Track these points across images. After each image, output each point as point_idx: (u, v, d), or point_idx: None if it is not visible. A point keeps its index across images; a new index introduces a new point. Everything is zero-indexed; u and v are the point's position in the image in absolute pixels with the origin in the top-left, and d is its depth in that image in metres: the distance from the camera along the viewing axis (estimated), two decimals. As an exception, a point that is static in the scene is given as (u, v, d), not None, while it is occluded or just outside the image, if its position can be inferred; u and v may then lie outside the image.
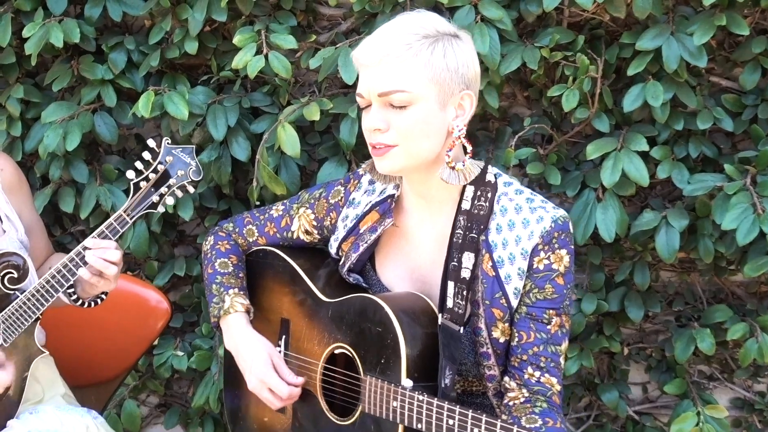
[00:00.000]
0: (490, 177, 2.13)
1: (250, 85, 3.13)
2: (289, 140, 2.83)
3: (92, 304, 2.42)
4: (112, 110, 3.11)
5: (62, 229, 3.37)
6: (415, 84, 1.98)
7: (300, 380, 2.20)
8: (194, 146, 2.38)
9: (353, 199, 2.29)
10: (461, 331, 2.07)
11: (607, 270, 3.08)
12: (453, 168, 2.06)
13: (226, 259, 2.39)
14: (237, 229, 2.45)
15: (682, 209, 2.85)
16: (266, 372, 2.21)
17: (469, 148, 2.06)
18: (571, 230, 2.07)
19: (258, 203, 3.00)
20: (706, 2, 2.64)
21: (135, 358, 2.78)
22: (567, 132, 2.97)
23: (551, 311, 2.07)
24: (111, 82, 3.08)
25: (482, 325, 2.08)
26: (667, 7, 2.77)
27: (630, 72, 2.76)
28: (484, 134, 3.05)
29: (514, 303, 2.07)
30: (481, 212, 2.09)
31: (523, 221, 2.06)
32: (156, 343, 3.23)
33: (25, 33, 2.95)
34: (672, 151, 2.86)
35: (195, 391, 3.29)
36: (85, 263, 2.29)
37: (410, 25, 2.01)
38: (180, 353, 3.22)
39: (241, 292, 2.33)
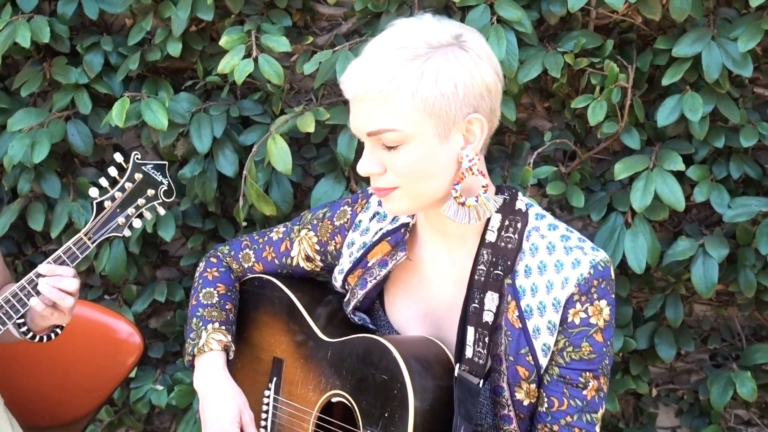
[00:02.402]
0: (520, 205, 1.82)
1: (240, 92, 2.84)
2: (280, 154, 2.53)
3: (45, 338, 2.13)
4: (87, 118, 2.81)
5: (34, 248, 3.07)
6: (404, 120, 1.69)
7: None
8: (167, 163, 2.11)
9: (359, 222, 1.98)
10: (481, 385, 1.76)
11: (635, 303, 2.79)
12: (463, 204, 1.75)
13: (211, 289, 2.09)
14: (232, 253, 2.15)
15: (722, 237, 2.56)
16: (231, 427, 1.91)
17: (484, 181, 1.75)
18: (613, 276, 1.77)
19: (245, 224, 2.70)
20: (753, 3, 2.35)
21: (103, 397, 2.49)
22: (592, 148, 2.67)
23: (588, 374, 1.76)
24: (86, 87, 2.79)
25: (504, 384, 1.78)
26: (708, 8, 2.48)
27: (665, 82, 2.47)
28: (500, 149, 2.75)
29: (543, 362, 1.77)
30: (509, 245, 1.79)
31: (557, 264, 1.76)
32: (133, 375, 2.93)
33: (-12, 32, 2.66)
34: (711, 171, 2.58)
35: (177, 428, 2.98)
36: (38, 293, 2.00)
37: (394, 46, 1.69)
38: (160, 387, 2.92)
39: (222, 327, 2.03)
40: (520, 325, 1.77)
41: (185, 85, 2.81)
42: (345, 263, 1.99)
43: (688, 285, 2.67)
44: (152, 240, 2.94)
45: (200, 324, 2.03)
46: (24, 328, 2.10)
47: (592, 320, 1.75)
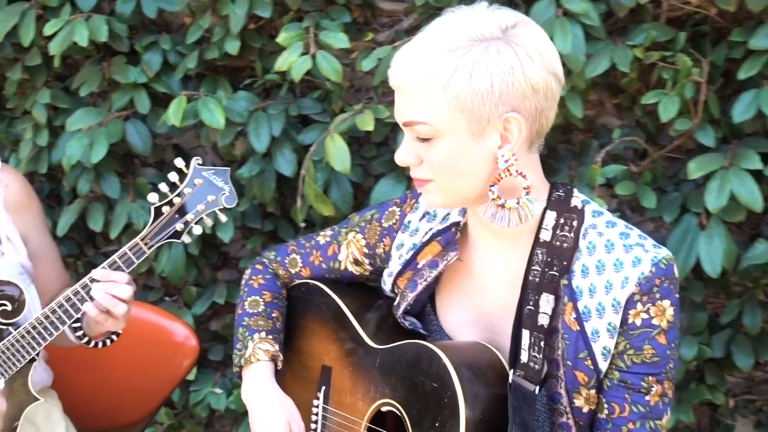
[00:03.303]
0: (576, 202, 1.72)
1: (299, 90, 2.78)
2: (338, 153, 2.47)
3: (101, 344, 2.09)
4: (146, 117, 2.78)
5: (94, 249, 3.06)
6: (435, 115, 1.60)
7: None
8: (229, 168, 2.03)
9: (409, 222, 1.90)
10: (537, 391, 1.67)
11: (710, 309, 2.65)
12: (502, 206, 1.66)
13: (257, 297, 2.03)
14: (279, 259, 2.08)
15: (803, 239, 2.42)
16: None
17: (526, 182, 1.66)
18: (677, 275, 1.66)
19: (304, 225, 2.64)
20: (837, -9, 2.21)
21: (159, 400, 2.45)
22: (664, 146, 2.54)
23: (651, 378, 1.66)
24: (145, 86, 2.76)
25: (562, 391, 1.68)
26: (788, -2, 2.34)
27: (741, 76, 2.35)
28: (567, 148, 2.65)
29: (603, 366, 1.66)
30: (565, 244, 1.69)
31: (616, 263, 1.65)
32: (193, 377, 2.90)
33: (46, 30, 2.65)
34: (791, 169, 2.43)
35: (235, 432, 2.95)
36: (91, 298, 1.96)
37: (435, 36, 1.61)
38: (219, 390, 2.89)
39: (270, 336, 1.96)
40: (578, 328, 1.67)
41: (244, 84, 2.77)
42: (394, 266, 1.91)
43: (767, 290, 2.54)
44: (212, 241, 2.90)
45: (246, 334, 1.97)
46: (80, 332, 2.07)
47: (655, 321, 1.64)
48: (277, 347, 1.95)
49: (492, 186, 1.64)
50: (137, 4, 2.74)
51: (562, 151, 2.64)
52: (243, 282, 2.08)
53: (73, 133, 2.71)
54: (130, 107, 2.78)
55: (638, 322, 1.64)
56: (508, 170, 1.63)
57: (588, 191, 2.46)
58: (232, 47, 2.66)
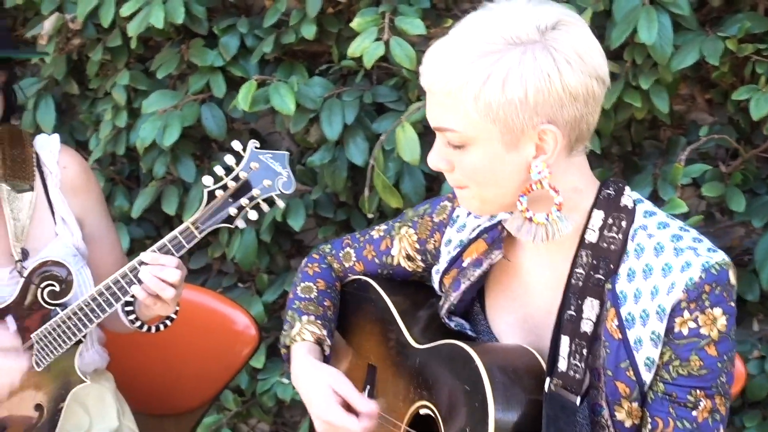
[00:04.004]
0: (626, 201, 1.59)
1: (376, 77, 2.70)
2: (408, 143, 2.39)
3: (154, 329, 2.06)
4: (223, 101, 2.75)
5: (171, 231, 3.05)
6: (465, 123, 1.49)
7: (373, 407, 1.74)
8: (287, 153, 1.96)
9: (457, 216, 1.81)
10: (578, 402, 1.56)
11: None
12: (529, 220, 1.55)
13: (311, 284, 1.97)
14: (333, 252, 2.01)
15: None
16: (328, 408, 1.75)
17: (558, 198, 1.54)
18: (732, 281, 1.52)
19: (372, 216, 2.57)
20: None
21: (217, 388, 2.41)
22: (758, 146, 2.38)
23: (698, 391, 1.53)
24: (222, 70, 2.72)
25: (603, 402, 1.56)
26: None
27: (844, 72, 2.15)
28: (653, 144, 2.51)
29: (647, 377, 1.54)
30: (612, 246, 1.57)
31: (664, 267, 1.53)
32: (261, 366, 2.87)
33: (123, 12, 2.64)
34: None
35: (304, 422, 2.90)
36: (139, 281, 1.93)
37: (468, 38, 1.49)
38: (286, 381, 2.84)
39: (318, 321, 1.90)
40: (620, 336, 1.55)
41: (320, 70, 2.71)
42: (442, 262, 1.82)
43: None
44: (285, 229, 2.85)
45: (295, 316, 1.91)
46: (132, 316, 2.04)
47: (703, 331, 1.51)
48: (325, 332, 1.88)
49: (521, 196, 1.53)
50: (217, -15, 2.72)
51: (648, 147, 2.50)
52: (298, 271, 2.03)
53: (148, 116, 2.71)
54: (206, 90, 2.75)
55: (685, 331, 1.51)
56: (540, 183, 1.52)
57: (672, 191, 2.31)
58: (309, 32, 2.61)
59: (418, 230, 1.86)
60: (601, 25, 2.31)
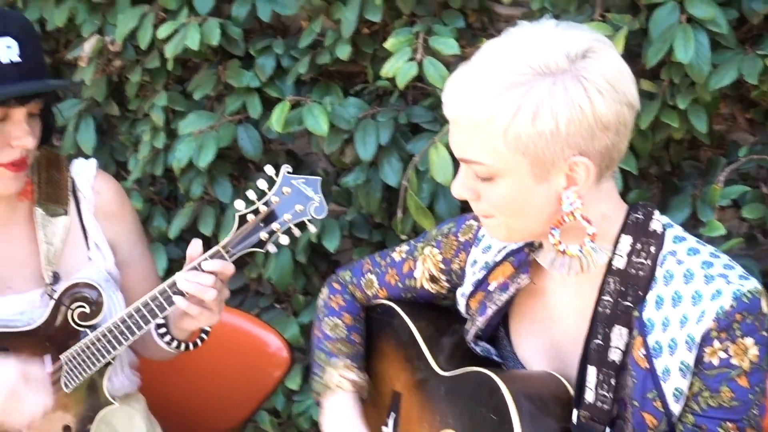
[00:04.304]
0: (656, 226, 1.55)
1: (412, 98, 2.69)
2: (441, 164, 2.36)
3: (192, 346, 2.06)
4: (258, 122, 2.76)
5: (210, 252, 3.06)
6: (494, 156, 1.47)
7: None
8: (320, 178, 1.96)
9: (482, 236, 1.77)
10: None
11: None
12: (562, 252, 1.51)
13: (337, 319, 1.94)
14: (354, 280, 1.98)
15: None
16: None
17: (591, 228, 1.50)
18: (764, 309, 1.48)
19: (406, 238, 2.54)
20: None
21: (249, 410, 2.41)
22: (801, 166, 2.31)
23: (729, 424, 1.49)
24: (258, 91, 2.73)
25: None
26: None
27: None
28: (692, 165, 2.45)
29: (675, 408, 1.50)
30: (640, 272, 1.53)
31: (694, 295, 1.49)
32: (297, 387, 2.86)
33: (160, 33, 2.66)
34: None
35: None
36: (171, 302, 1.92)
37: (494, 67, 1.44)
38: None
39: (353, 363, 1.87)
40: (647, 365, 1.51)
41: (354, 90, 2.70)
42: (467, 285, 1.78)
43: None
44: (321, 250, 2.84)
45: (327, 359, 1.88)
46: (167, 338, 2.04)
47: (734, 361, 1.47)
48: (363, 376, 1.86)
49: (553, 229, 1.50)
50: (252, 7, 2.72)
51: (687, 168, 2.45)
52: (320, 301, 2.00)
53: (185, 136, 2.72)
54: (243, 111, 2.76)
55: (715, 362, 1.47)
56: (572, 214, 1.49)
57: (711, 212, 2.26)
58: (343, 52, 2.60)
59: (442, 249, 1.83)
60: (637, 44, 2.27)
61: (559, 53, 1.43)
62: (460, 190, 1.55)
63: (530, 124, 1.42)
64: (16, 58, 1.86)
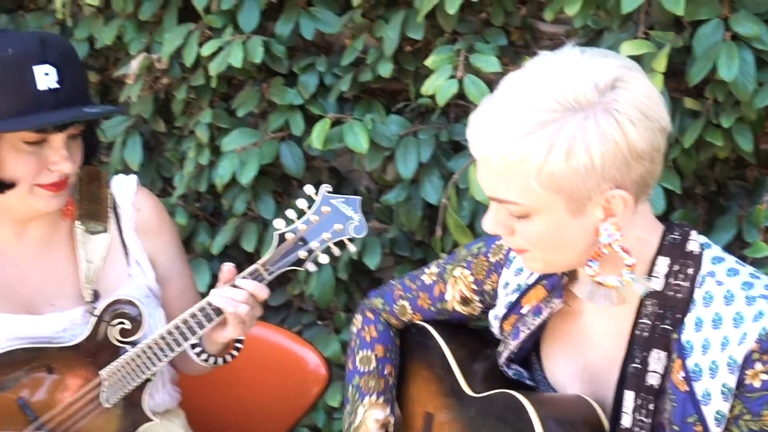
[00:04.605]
0: (693, 246, 1.53)
1: (454, 115, 2.68)
2: (481, 182, 2.34)
3: (222, 361, 2.08)
4: (301, 139, 2.77)
5: (253, 268, 3.08)
6: (527, 196, 1.44)
7: None
8: (360, 198, 1.97)
9: (514, 257, 1.75)
10: None
11: None
12: (600, 284, 1.49)
13: (369, 352, 1.94)
14: (387, 308, 1.98)
15: None
16: None
17: (630, 259, 1.48)
18: None
19: (445, 256, 2.53)
20: None
21: (287, 426, 2.41)
22: None
23: None
24: (301, 108, 2.74)
25: None
26: None
27: None
28: (738, 185, 2.40)
29: None
30: (678, 294, 1.51)
31: (735, 317, 1.46)
32: (337, 404, 2.85)
33: (204, 51, 2.68)
34: None
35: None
36: (210, 319, 1.95)
37: (521, 106, 1.41)
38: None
39: (380, 399, 1.87)
40: (687, 389, 1.48)
41: (396, 108, 2.70)
42: (500, 306, 1.77)
43: None
44: (363, 267, 2.84)
45: (357, 396, 1.89)
46: (204, 356, 2.06)
47: None
48: (388, 410, 1.86)
49: (591, 261, 1.48)
50: (296, 25, 2.73)
51: (733, 188, 2.40)
52: (354, 330, 2.00)
53: (228, 153, 2.74)
54: (286, 128, 2.77)
55: (757, 384, 1.43)
56: (611, 245, 1.46)
57: (756, 233, 2.21)
58: (385, 70, 2.60)
59: (473, 270, 1.81)
60: (680, 62, 2.23)
61: (587, 86, 1.40)
62: (492, 227, 1.53)
63: (564, 162, 1.39)
64: (54, 85, 1.87)
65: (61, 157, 1.91)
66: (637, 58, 2.19)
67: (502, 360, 1.73)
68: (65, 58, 1.91)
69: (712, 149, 2.27)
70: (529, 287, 1.71)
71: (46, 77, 1.87)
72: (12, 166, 1.89)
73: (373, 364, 1.91)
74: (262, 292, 1.95)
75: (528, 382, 1.71)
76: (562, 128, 1.39)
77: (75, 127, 1.93)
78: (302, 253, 1.97)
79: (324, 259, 1.99)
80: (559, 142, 1.39)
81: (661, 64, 2.16)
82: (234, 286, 1.95)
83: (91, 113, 1.91)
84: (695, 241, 1.54)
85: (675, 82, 2.29)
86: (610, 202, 1.44)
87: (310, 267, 1.99)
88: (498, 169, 1.44)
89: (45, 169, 1.92)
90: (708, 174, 2.40)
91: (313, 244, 1.97)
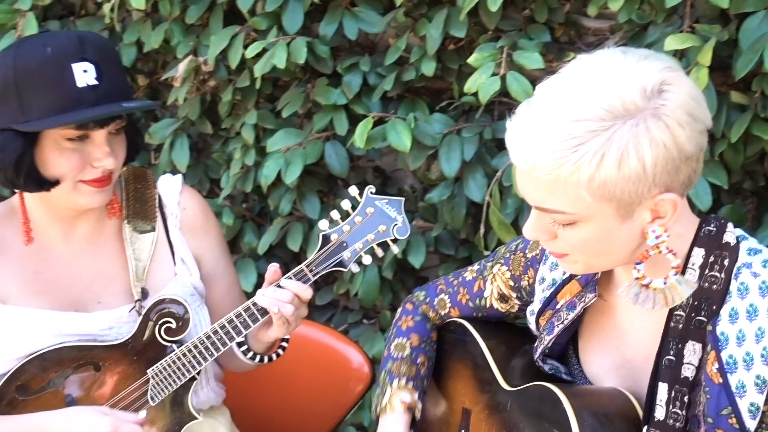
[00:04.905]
0: (729, 238, 1.51)
1: (498, 113, 2.67)
2: (525, 180, 2.33)
3: (267, 359, 2.10)
4: (346, 139, 2.78)
5: (299, 268, 3.10)
6: (576, 206, 1.42)
7: None
8: (403, 199, 1.97)
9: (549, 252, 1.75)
10: None
11: None
12: (646, 286, 1.47)
13: (403, 340, 1.95)
14: (428, 300, 1.98)
15: None
16: None
17: (676, 261, 1.46)
18: None
19: (488, 254, 2.52)
20: None
21: (331, 425, 2.42)
22: None
23: None
24: (345, 108, 2.75)
25: None
26: None
27: None
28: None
29: (751, 425, 1.45)
30: (714, 286, 1.49)
31: None
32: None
33: (248, 53, 2.70)
34: None
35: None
36: (256, 319, 1.96)
37: (567, 115, 1.38)
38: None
39: (409, 384, 1.87)
40: (721, 380, 1.46)
41: (439, 106, 2.70)
42: (536, 302, 1.76)
43: None
44: (408, 266, 2.84)
45: (387, 379, 1.90)
46: (250, 354, 2.08)
47: None
48: (416, 395, 1.86)
49: (638, 264, 1.46)
50: (340, 26, 2.74)
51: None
52: (393, 321, 2.01)
53: (273, 154, 2.76)
54: (330, 128, 2.78)
55: None
56: (658, 247, 1.45)
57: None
58: (428, 68, 2.60)
59: (511, 266, 1.81)
60: (727, 55, 2.20)
61: (635, 92, 1.38)
62: (534, 233, 1.51)
63: (616, 171, 1.38)
64: (93, 81, 1.89)
65: (103, 153, 1.93)
66: (682, 53, 2.19)
67: (537, 355, 1.72)
68: (103, 55, 1.93)
69: (760, 143, 2.24)
70: (564, 282, 1.70)
71: (84, 74, 1.89)
72: (56, 164, 1.93)
73: (407, 352, 1.92)
74: (306, 292, 1.96)
75: (565, 376, 1.70)
76: (612, 137, 1.37)
77: (116, 123, 1.95)
78: (346, 254, 1.98)
79: (367, 260, 1.99)
80: (611, 151, 1.37)
81: (706, 57, 2.13)
82: (279, 286, 1.97)
83: (130, 107, 1.93)
84: (731, 233, 1.52)
85: (721, 76, 2.26)
86: (658, 205, 1.43)
87: (354, 268, 2.00)
88: (546, 181, 1.41)
89: (88, 165, 1.94)
90: (756, 168, 2.36)
91: (357, 246, 1.97)
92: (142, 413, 1.99)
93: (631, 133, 1.37)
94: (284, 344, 2.11)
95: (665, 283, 1.47)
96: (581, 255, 1.50)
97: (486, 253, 2.52)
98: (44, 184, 1.94)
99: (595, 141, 1.37)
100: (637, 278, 1.48)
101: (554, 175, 1.39)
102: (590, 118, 1.37)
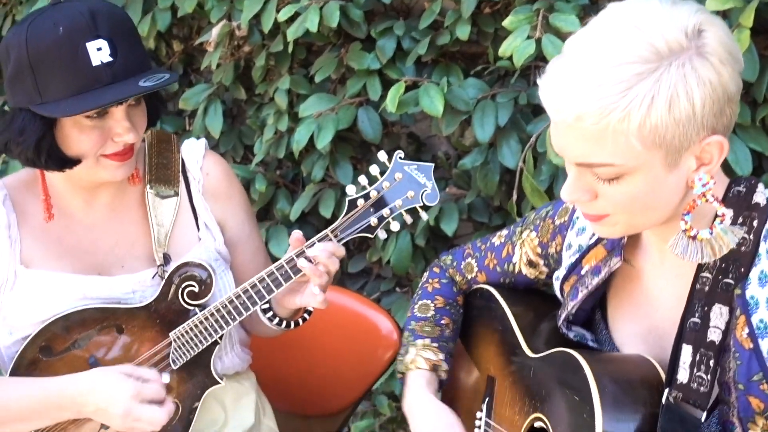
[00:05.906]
0: (759, 198, 1.45)
1: (533, 78, 2.60)
2: (559, 145, 2.27)
3: (292, 324, 2.07)
4: (379, 104, 2.74)
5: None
6: (625, 155, 1.37)
7: None
8: (433, 165, 1.93)
9: (577, 218, 1.70)
10: (704, 418, 1.43)
11: None
12: (693, 238, 1.41)
13: (428, 301, 1.92)
14: (455, 264, 1.95)
15: None
16: None
17: (721, 209, 1.41)
18: None
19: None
20: None
21: (360, 391, 2.39)
22: None
23: None
24: (378, 73, 2.71)
25: (735, 420, 1.44)
26: None
27: None
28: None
29: None
30: (742, 248, 1.43)
31: None
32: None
33: (281, 17, 2.67)
34: None
35: None
36: (280, 284, 1.93)
37: (612, 59, 1.33)
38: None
39: (434, 344, 1.84)
40: (751, 346, 1.40)
41: (474, 71, 2.64)
42: (563, 268, 1.71)
43: None
44: (441, 233, 2.80)
45: (410, 338, 1.88)
46: (271, 315, 2.06)
47: None
48: (441, 356, 1.83)
49: (685, 215, 1.41)
50: (375, -12, 2.70)
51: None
52: (420, 284, 1.98)
53: (305, 119, 2.73)
54: (364, 93, 2.74)
55: None
56: (704, 195, 1.39)
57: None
58: (463, 32, 2.55)
59: (539, 233, 1.77)
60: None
61: (678, 32, 1.34)
62: (574, 194, 1.45)
63: (667, 113, 1.33)
64: (108, 59, 1.86)
65: (123, 129, 1.91)
66: (723, 14, 2.11)
67: (560, 321, 1.68)
68: (116, 28, 1.89)
69: (806, 109, 2.16)
70: (590, 248, 1.65)
71: (99, 52, 1.85)
72: (76, 142, 1.91)
73: (431, 312, 1.89)
74: (339, 250, 1.92)
75: (591, 344, 1.66)
76: (660, 78, 1.33)
77: (135, 97, 1.93)
78: (373, 220, 1.94)
79: (395, 226, 1.95)
80: (661, 93, 1.33)
81: (749, 19, 2.05)
82: (302, 254, 1.94)
83: (146, 87, 1.89)
84: (762, 193, 1.46)
85: (764, 39, 2.18)
86: (704, 150, 1.38)
87: (381, 234, 1.96)
88: (592, 132, 1.36)
89: (109, 140, 1.92)
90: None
91: (385, 212, 1.93)
92: (165, 377, 1.97)
93: (678, 74, 1.33)
94: (310, 309, 2.09)
95: (711, 233, 1.42)
96: (624, 213, 1.44)
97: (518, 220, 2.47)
98: (66, 162, 1.93)
99: (644, 84, 1.33)
100: (684, 230, 1.42)
101: (602, 123, 1.35)
102: (636, 60, 1.33)
